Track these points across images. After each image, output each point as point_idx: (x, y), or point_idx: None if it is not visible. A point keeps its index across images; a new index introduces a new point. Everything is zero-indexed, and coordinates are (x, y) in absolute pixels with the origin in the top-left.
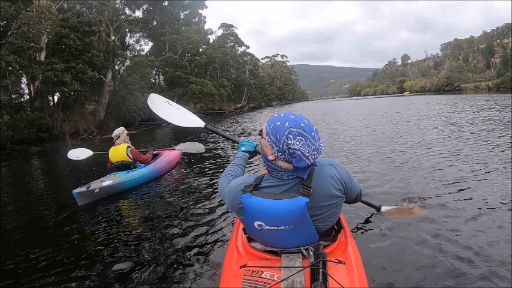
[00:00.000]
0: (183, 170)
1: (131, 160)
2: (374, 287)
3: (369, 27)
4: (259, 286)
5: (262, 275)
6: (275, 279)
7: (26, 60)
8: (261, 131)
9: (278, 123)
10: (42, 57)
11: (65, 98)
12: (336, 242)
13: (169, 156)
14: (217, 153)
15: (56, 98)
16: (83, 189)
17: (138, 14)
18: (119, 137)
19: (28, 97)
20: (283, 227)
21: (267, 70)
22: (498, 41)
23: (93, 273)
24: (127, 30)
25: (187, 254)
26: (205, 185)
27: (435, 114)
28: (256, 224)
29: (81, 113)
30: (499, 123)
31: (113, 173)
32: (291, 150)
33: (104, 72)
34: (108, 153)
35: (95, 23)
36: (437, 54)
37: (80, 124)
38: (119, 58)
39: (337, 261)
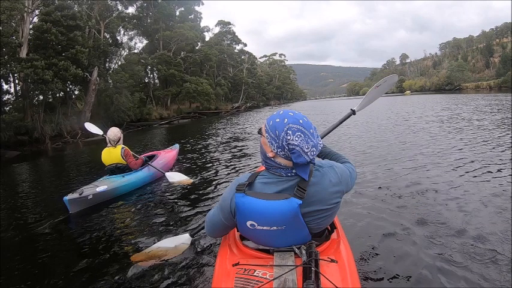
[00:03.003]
0: (181, 170)
1: (126, 162)
2: (366, 285)
3: (367, 27)
4: (251, 284)
5: (255, 273)
6: (267, 277)
7: (5, 56)
8: (260, 129)
9: (277, 120)
10: (24, 54)
11: (53, 97)
12: (329, 241)
13: (166, 157)
14: (218, 151)
15: (41, 97)
16: (75, 195)
17: (132, 10)
18: (118, 141)
19: (9, 96)
20: (275, 228)
21: (265, 69)
22: (497, 40)
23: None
24: (120, 27)
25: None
26: (203, 184)
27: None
28: (248, 223)
29: (66, 113)
30: None
31: (106, 177)
32: (290, 146)
33: (90, 69)
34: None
35: (81, 17)
36: (436, 53)
37: (63, 126)
38: (109, 55)
39: (330, 259)
